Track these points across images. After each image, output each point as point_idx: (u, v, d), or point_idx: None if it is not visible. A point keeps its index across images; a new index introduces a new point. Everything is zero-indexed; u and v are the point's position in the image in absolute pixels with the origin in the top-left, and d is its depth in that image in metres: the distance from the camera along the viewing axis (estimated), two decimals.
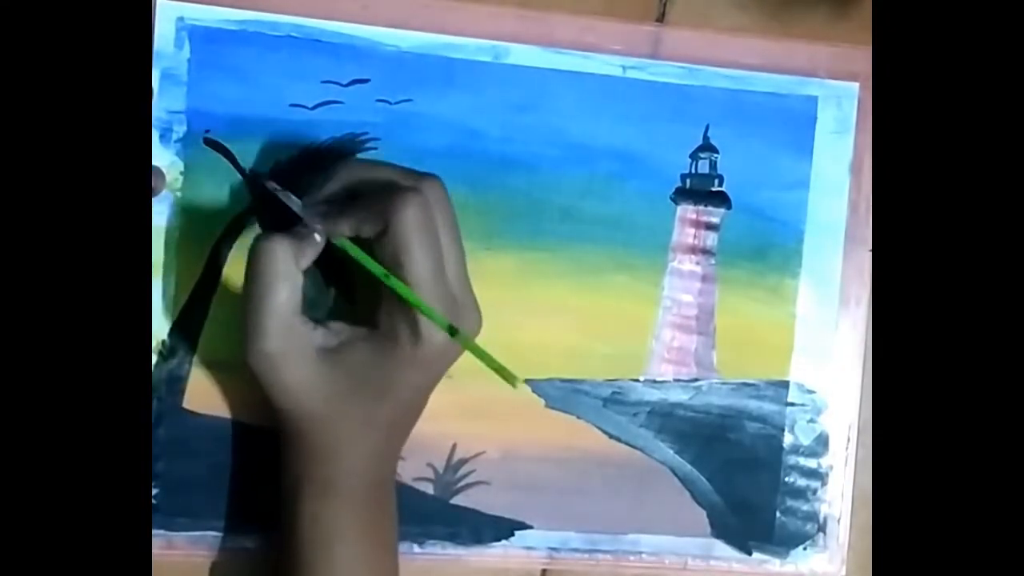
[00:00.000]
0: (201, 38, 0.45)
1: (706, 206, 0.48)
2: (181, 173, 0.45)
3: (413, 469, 0.47)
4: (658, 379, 0.48)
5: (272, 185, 0.41)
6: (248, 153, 0.45)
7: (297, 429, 0.42)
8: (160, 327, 0.45)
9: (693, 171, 0.48)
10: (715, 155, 0.48)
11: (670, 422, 0.48)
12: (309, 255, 0.41)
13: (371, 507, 0.43)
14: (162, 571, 0.43)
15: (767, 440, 0.49)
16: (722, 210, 0.48)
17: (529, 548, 0.48)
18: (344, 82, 0.46)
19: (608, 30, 0.47)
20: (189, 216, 0.45)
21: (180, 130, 0.45)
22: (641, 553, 0.48)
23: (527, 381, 0.47)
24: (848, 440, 0.49)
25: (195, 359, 0.45)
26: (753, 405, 0.49)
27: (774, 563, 0.49)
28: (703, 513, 0.49)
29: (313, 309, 0.42)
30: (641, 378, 0.48)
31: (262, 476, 0.44)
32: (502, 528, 0.47)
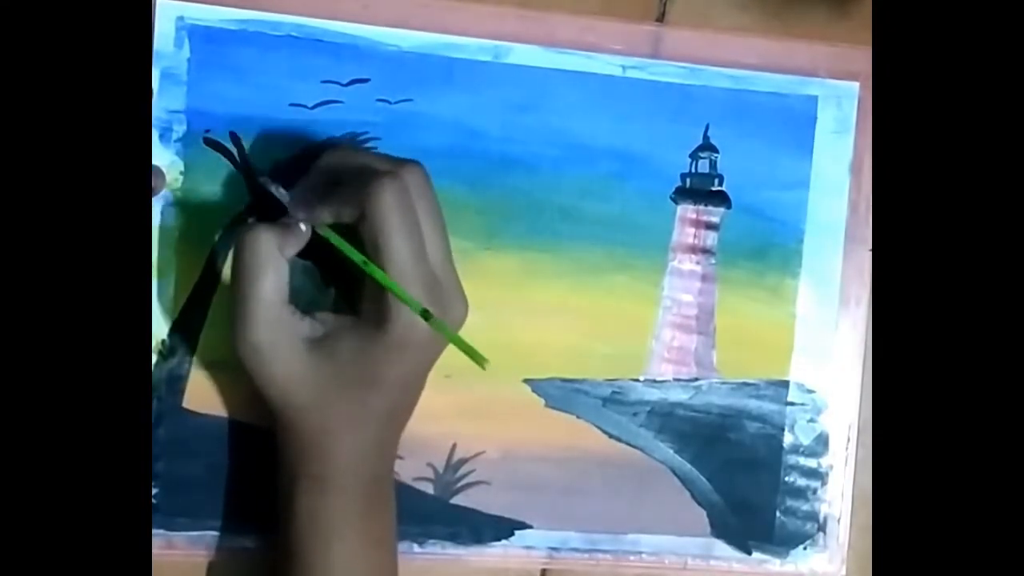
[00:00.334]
0: (201, 38, 0.45)
1: (706, 206, 0.48)
2: (181, 173, 0.45)
3: (413, 469, 0.47)
4: (658, 379, 0.48)
5: (264, 179, 0.41)
6: (248, 153, 0.45)
7: (289, 422, 0.42)
8: (160, 327, 0.45)
9: (693, 171, 0.48)
10: (715, 155, 0.48)
11: (670, 422, 0.48)
12: (294, 244, 0.41)
13: (368, 503, 0.42)
14: (162, 571, 0.43)
15: (767, 440, 0.49)
16: (722, 210, 0.48)
17: (529, 548, 0.48)
18: (344, 82, 0.46)
19: (608, 30, 0.47)
20: (189, 216, 0.45)
21: (180, 130, 0.45)
22: (641, 553, 0.48)
23: (527, 381, 0.47)
24: (848, 440, 0.49)
25: (195, 359, 0.45)
26: (753, 405, 0.49)
27: (774, 563, 0.49)
28: (703, 513, 0.49)
29: (301, 300, 0.42)
30: (641, 378, 0.48)
31: (262, 476, 0.44)
32: (502, 528, 0.47)
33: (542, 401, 0.48)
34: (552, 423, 0.48)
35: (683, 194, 0.48)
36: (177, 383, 0.45)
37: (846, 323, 0.49)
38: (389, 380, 0.41)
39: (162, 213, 0.45)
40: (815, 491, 0.49)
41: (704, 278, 0.48)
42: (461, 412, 0.47)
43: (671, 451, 0.48)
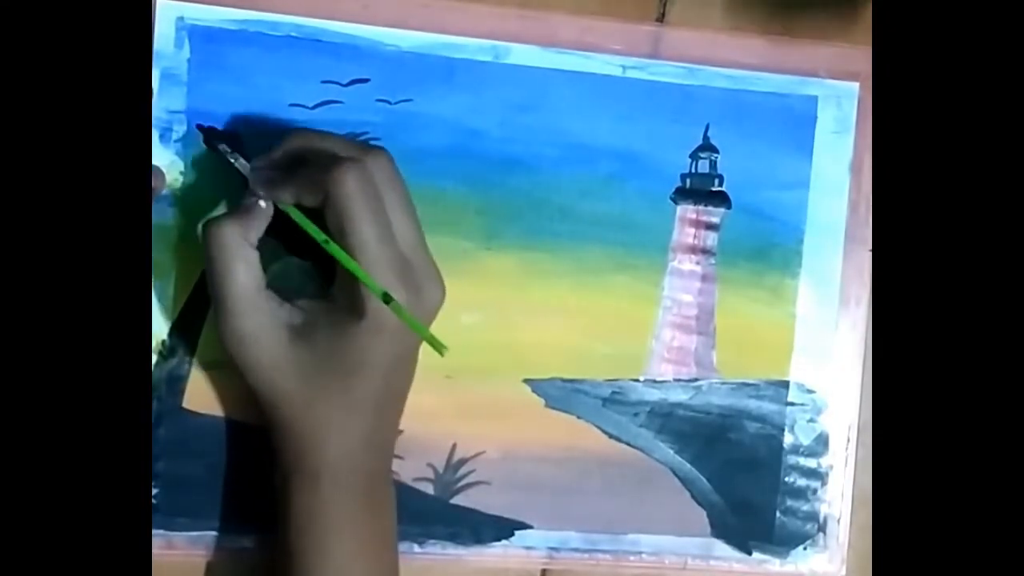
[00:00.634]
0: (201, 38, 0.45)
1: (706, 206, 0.48)
2: (181, 173, 0.45)
3: (413, 469, 0.47)
4: (658, 379, 0.48)
5: (223, 147, 0.42)
6: (248, 152, 0.45)
7: (279, 414, 0.42)
8: (160, 327, 0.45)
9: (693, 171, 0.48)
10: (715, 155, 0.48)
11: (670, 422, 0.48)
12: (257, 227, 0.41)
13: (366, 501, 0.42)
14: (162, 571, 0.43)
15: (767, 440, 0.49)
16: (722, 210, 0.48)
17: (529, 548, 0.48)
18: (344, 82, 0.46)
19: (608, 30, 0.47)
20: (189, 216, 0.45)
21: (180, 130, 0.45)
22: (641, 553, 0.48)
23: (527, 381, 0.47)
24: (848, 440, 0.49)
25: (195, 359, 0.45)
26: (753, 405, 0.49)
27: (774, 563, 0.49)
28: (703, 513, 0.49)
29: (282, 287, 0.42)
30: (641, 378, 0.48)
31: (261, 476, 0.44)
32: (502, 528, 0.47)
33: (542, 401, 0.48)
34: (552, 423, 0.48)
35: (683, 194, 0.48)
36: (177, 383, 0.45)
37: (846, 323, 0.49)
38: (369, 365, 0.41)
39: (162, 213, 0.45)
40: (815, 491, 0.49)
41: (704, 278, 0.49)
42: (461, 412, 0.47)
43: (671, 451, 0.48)
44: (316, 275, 0.44)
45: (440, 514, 0.47)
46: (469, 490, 0.47)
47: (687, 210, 0.48)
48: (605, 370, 0.48)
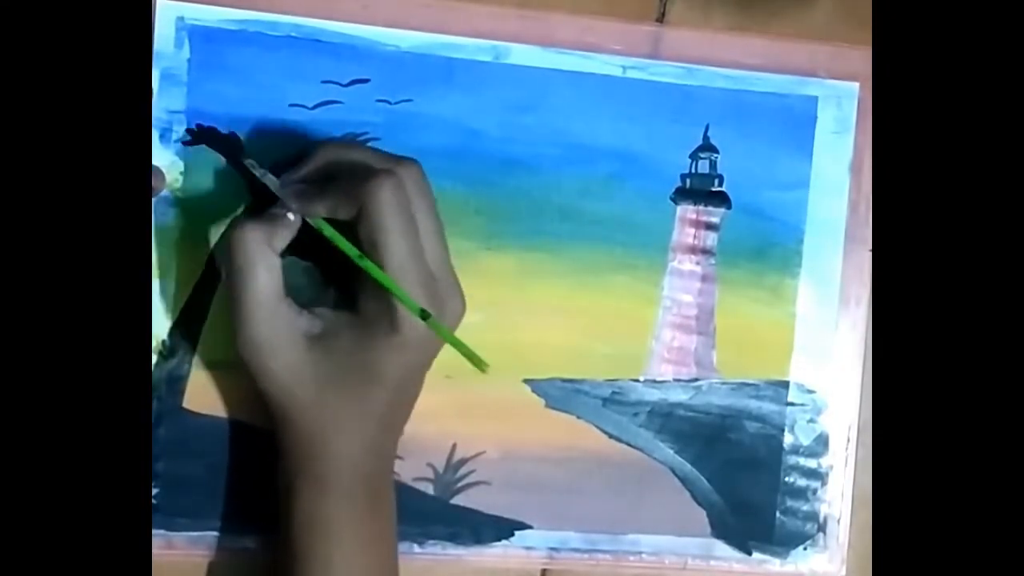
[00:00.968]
0: (201, 38, 0.45)
1: (706, 206, 0.48)
2: (181, 173, 0.45)
3: (413, 469, 0.47)
4: (658, 379, 0.48)
5: (250, 162, 0.41)
6: (248, 152, 0.45)
7: (290, 420, 0.42)
8: (160, 327, 0.45)
9: (693, 171, 0.48)
10: (715, 155, 0.48)
11: (670, 422, 0.48)
12: (283, 236, 0.41)
13: (368, 504, 0.42)
14: (162, 571, 0.43)
15: (767, 440, 0.49)
16: (722, 210, 0.48)
17: (529, 548, 0.48)
18: (344, 82, 0.46)
19: (608, 30, 0.47)
20: (189, 216, 0.45)
21: (180, 130, 0.45)
22: (641, 553, 0.48)
23: (527, 381, 0.47)
24: (848, 440, 0.49)
25: (195, 359, 0.45)
26: (753, 405, 0.49)
27: (774, 563, 0.49)
28: (703, 513, 0.49)
29: (299, 295, 0.42)
30: (641, 378, 0.48)
31: (262, 476, 0.44)
32: (502, 528, 0.47)
33: (542, 401, 0.48)
34: (552, 423, 0.48)
35: (683, 194, 0.48)
36: (177, 383, 0.45)
37: (846, 323, 0.49)
38: (388, 378, 0.41)
39: (162, 213, 0.45)
40: (815, 491, 0.49)
41: (704, 278, 0.49)
42: (461, 412, 0.47)
43: (671, 451, 0.48)
44: (333, 284, 0.44)
45: (440, 514, 0.47)
46: (469, 490, 0.47)
47: (687, 210, 0.48)
48: (605, 370, 0.48)
